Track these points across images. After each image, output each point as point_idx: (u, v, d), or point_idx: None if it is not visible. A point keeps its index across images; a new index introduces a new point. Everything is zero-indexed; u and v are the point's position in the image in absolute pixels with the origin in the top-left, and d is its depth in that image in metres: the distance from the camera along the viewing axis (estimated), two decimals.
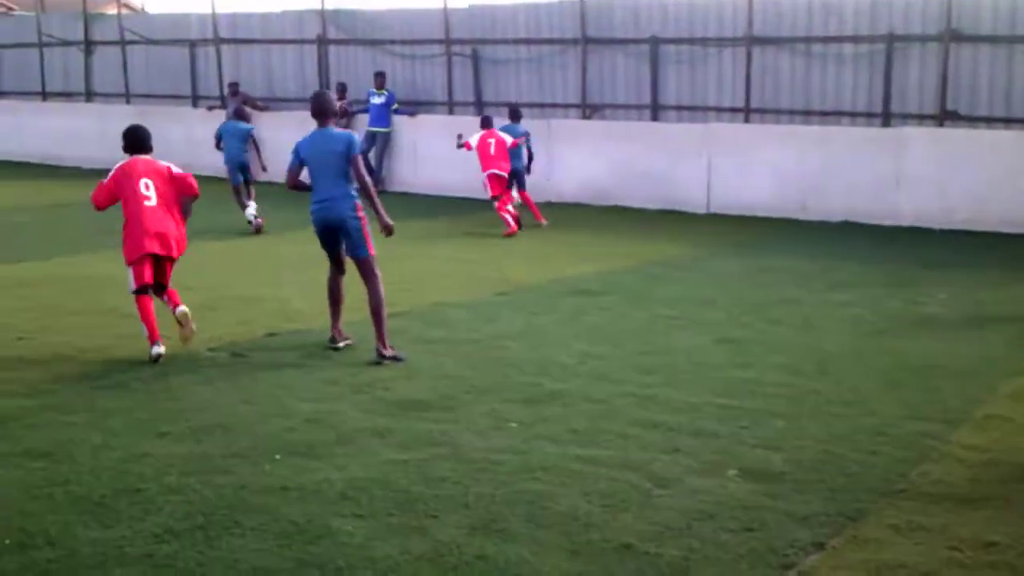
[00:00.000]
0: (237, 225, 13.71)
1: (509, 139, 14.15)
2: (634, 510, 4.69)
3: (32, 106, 25.02)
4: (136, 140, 7.59)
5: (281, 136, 20.20)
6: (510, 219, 13.71)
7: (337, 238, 7.41)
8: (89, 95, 24.36)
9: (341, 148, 7.30)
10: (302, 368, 7.03)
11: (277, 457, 5.29)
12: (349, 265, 7.53)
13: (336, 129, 7.51)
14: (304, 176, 7.50)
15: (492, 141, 14.13)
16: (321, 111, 7.42)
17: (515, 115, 15.10)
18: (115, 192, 7.34)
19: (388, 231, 7.46)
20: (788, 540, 4.39)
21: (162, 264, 7.32)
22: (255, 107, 21.10)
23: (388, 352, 7.20)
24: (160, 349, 7.08)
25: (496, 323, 8.47)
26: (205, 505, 4.69)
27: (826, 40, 16.06)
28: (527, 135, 14.70)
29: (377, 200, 7.48)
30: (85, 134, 22.94)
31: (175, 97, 22.82)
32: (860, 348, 7.76)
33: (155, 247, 7.19)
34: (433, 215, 15.48)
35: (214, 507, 4.66)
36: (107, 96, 23.94)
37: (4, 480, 4.96)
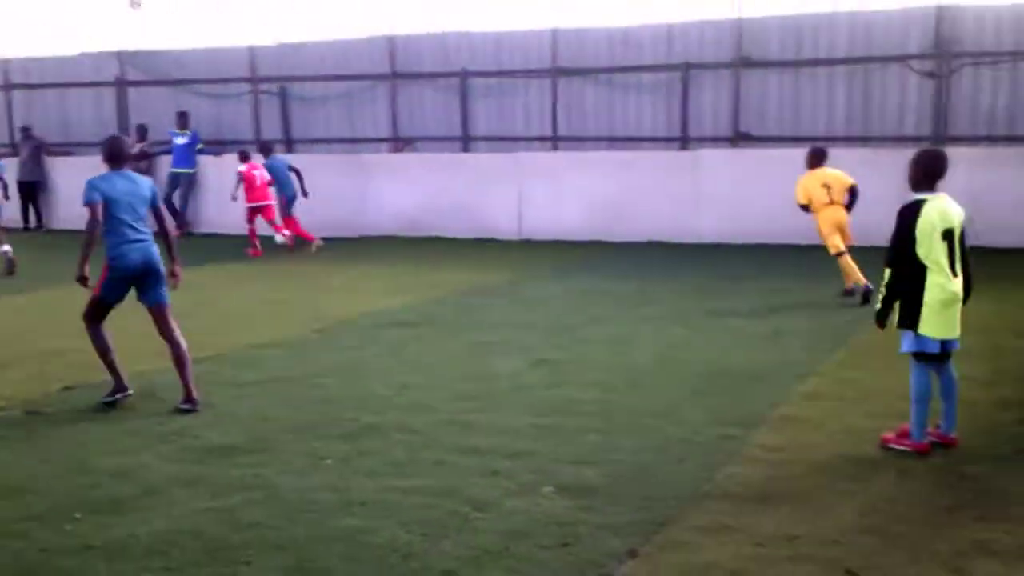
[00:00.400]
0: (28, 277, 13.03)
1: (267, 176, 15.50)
2: (453, 536, 4.69)
3: None
4: None
5: (77, 182, 19.44)
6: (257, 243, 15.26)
7: (145, 282, 7.08)
8: None
9: (148, 193, 7.10)
10: (103, 421, 6.70)
11: (77, 516, 5.02)
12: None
13: (134, 173, 7.24)
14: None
15: (257, 174, 15.40)
16: (117, 155, 7.11)
17: (266, 150, 16.34)
18: None
19: (177, 280, 7.22)
20: (603, 551, 4.48)
21: None
22: (49, 152, 20.21)
23: (196, 397, 6.95)
24: None
25: (311, 360, 8.33)
26: (4, 572, 4.40)
27: (625, 70, 16.68)
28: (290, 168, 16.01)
29: (176, 247, 7.29)
30: None
31: None
32: (669, 360, 8.04)
33: None
34: (241, 256, 15.15)
35: (13, 571, 4.38)
36: None
37: None
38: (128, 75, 20.19)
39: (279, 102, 19.06)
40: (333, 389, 7.37)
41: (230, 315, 10.38)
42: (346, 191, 17.27)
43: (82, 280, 6.99)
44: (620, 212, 15.69)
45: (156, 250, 7.06)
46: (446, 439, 6.11)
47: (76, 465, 5.81)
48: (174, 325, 7.10)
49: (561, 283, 11.99)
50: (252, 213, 15.52)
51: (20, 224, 19.74)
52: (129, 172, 7.17)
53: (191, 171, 18.32)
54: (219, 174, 17.88)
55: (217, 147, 18.72)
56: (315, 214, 16.10)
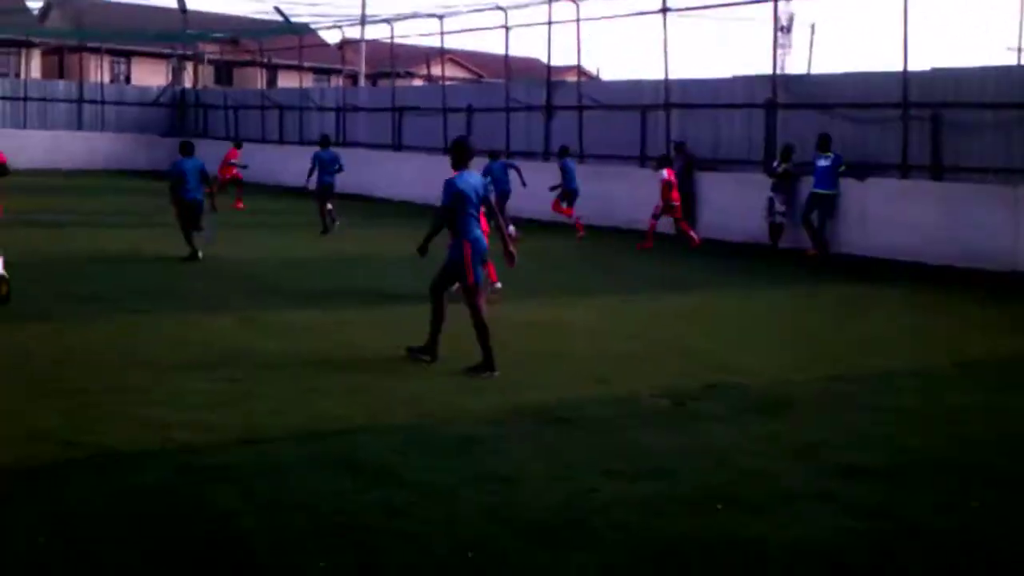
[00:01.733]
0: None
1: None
2: None
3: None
4: None
5: (721, 196, 20.52)
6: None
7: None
8: (547, 155, 26.18)
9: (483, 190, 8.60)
10: (741, 422, 6.96)
11: (719, 507, 5.26)
12: None
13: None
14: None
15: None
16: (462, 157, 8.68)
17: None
18: None
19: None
20: None
21: None
22: (699, 167, 21.52)
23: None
24: None
25: (949, 397, 7.85)
26: (649, 545, 4.76)
27: None
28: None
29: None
30: (540, 190, 24.68)
31: (624, 157, 23.87)
32: None
33: None
34: (883, 279, 14.80)
35: (658, 549, 4.72)
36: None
37: (467, 500, 5.35)
38: (779, 98, 20.77)
39: (929, 128, 18.29)
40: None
41: (868, 339, 10.18)
42: (993, 222, 16.04)
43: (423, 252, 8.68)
44: None
45: None
46: None
47: (715, 459, 6.10)
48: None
49: None
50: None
51: (672, 231, 21.42)
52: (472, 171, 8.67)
53: (832, 192, 18.32)
54: (860, 197, 17.68)
55: (861, 170, 18.50)
56: (958, 244, 15.22)
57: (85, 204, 23.45)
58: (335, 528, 4.88)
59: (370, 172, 29.86)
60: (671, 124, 22.75)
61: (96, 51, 47.42)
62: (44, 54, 54.42)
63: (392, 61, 33.35)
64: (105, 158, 39.08)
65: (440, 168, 25.49)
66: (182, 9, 43.34)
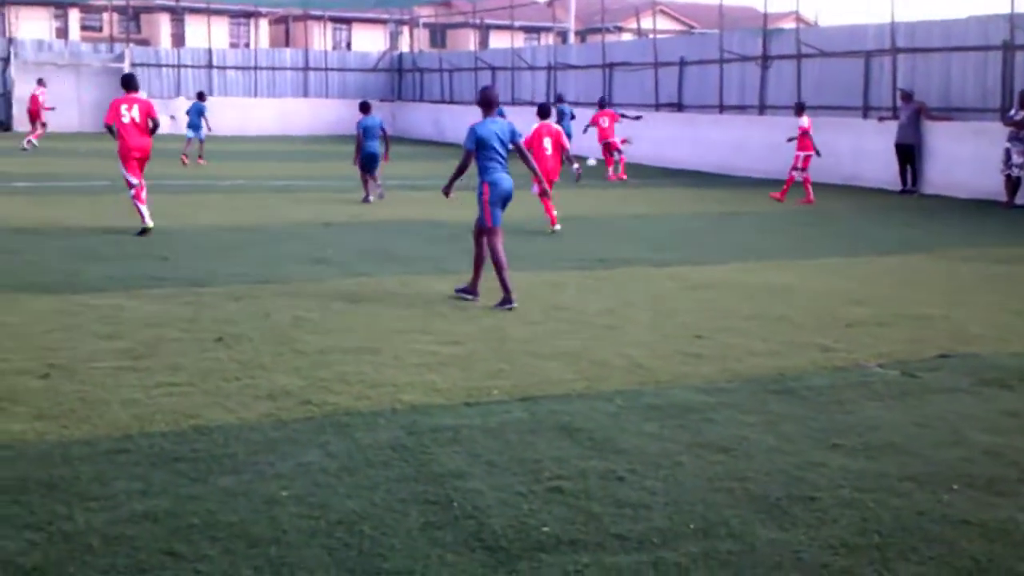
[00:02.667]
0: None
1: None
2: None
3: (709, 119, 26.80)
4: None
5: (957, 148, 19.31)
6: None
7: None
8: (762, 108, 25.42)
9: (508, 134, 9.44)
10: (978, 396, 6.59)
11: (954, 487, 5.01)
12: None
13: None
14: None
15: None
16: (488, 103, 9.48)
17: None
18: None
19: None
20: None
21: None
22: (929, 117, 20.39)
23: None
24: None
25: None
26: (880, 524, 4.60)
27: None
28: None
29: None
30: (755, 145, 24.00)
31: (846, 108, 22.87)
32: None
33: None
34: None
35: (890, 528, 4.56)
36: (778, 108, 24.78)
37: (688, 469, 5.34)
38: (1017, 40, 19.31)
39: None
40: None
41: None
42: None
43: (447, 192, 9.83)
44: None
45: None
46: None
47: (950, 435, 5.81)
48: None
49: None
50: None
51: (898, 186, 20.42)
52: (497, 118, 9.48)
53: None
54: None
55: None
56: None
57: (313, 169, 24.59)
58: (558, 492, 4.96)
59: (577, 131, 29.93)
60: (897, 70, 21.61)
61: (319, 19, 49.48)
62: (271, 23, 57.30)
63: (602, 16, 33.18)
64: (328, 124, 40.77)
65: (649, 122, 25.24)
66: None
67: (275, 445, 5.55)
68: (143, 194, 13.11)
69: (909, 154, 20.07)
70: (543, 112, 14.96)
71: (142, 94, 12.95)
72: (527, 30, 55.41)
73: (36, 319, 8.32)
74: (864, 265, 12.05)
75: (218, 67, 41.62)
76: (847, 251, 13.14)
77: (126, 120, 12.90)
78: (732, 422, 6.07)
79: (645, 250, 13.17)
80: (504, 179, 9.36)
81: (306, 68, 42.90)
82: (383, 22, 55.17)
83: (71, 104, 38.35)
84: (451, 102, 39.65)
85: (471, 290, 9.59)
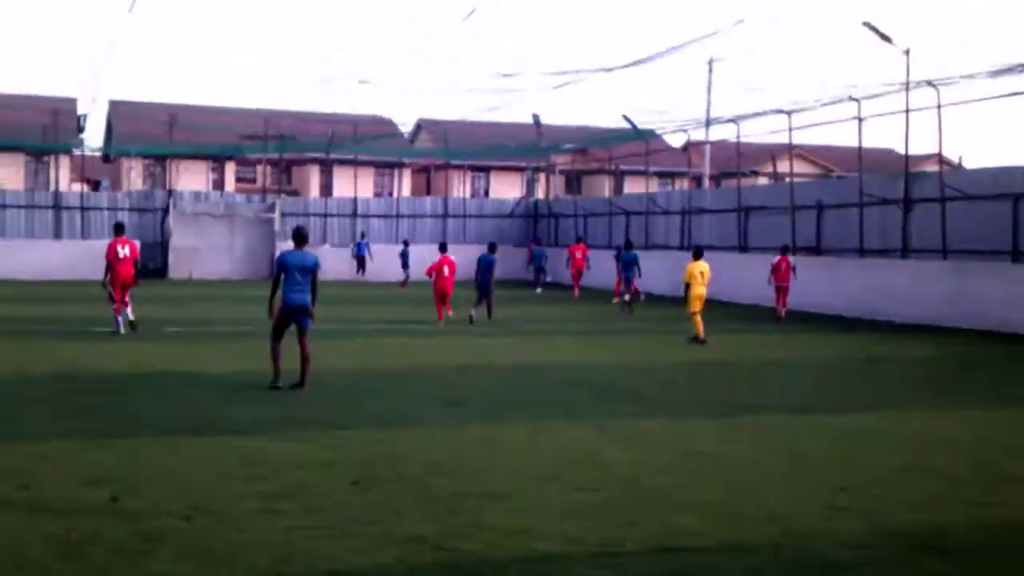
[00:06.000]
0: None
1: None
2: None
3: (849, 263, 26.31)
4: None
5: None
6: None
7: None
8: (904, 251, 24.87)
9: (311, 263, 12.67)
10: None
11: None
12: None
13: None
14: None
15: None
16: (301, 239, 12.82)
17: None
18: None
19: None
20: None
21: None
22: None
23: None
24: None
25: None
26: None
27: None
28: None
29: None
30: (898, 290, 23.40)
31: (994, 252, 22.17)
32: None
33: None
34: None
35: None
36: (921, 252, 24.20)
37: None
38: None
39: None
40: None
41: None
42: None
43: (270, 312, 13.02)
44: None
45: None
46: None
47: None
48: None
49: None
50: None
51: None
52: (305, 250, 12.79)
53: None
54: None
55: None
56: None
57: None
58: None
59: (713, 274, 29.86)
60: None
61: (459, 168, 51.31)
62: (414, 172, 59.65)
63: (737, 160, 33.37)
64: (463, 268, 41.24)
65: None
66: (537, 124, 46.01)
67: None
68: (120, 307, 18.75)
69: None
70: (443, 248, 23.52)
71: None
72: (661, 175, 56.10)
73: (185, 461, 8.61)
74: (1019, 417, 11.45)
75: (362, 215, 43.39)
76: (999, 402, 12.53)
77: (120, 255, 18.69)
78: None
79: (785, 397, 12.86)
80: (293, 297, 12.51)
81: (445, 215, 44.32)
82: (520, 170, 56.80)
83: (224, 252, 40.43)
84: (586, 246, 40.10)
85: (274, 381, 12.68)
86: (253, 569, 5.84)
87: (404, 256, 37.67)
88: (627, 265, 26.65)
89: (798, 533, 6.72)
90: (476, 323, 21.91)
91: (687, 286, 19.14)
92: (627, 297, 25.93)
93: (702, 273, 19.01)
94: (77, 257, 36.62)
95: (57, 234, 39.91)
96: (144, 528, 6.56)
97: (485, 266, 22.80)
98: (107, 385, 12.76)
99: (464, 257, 41.82)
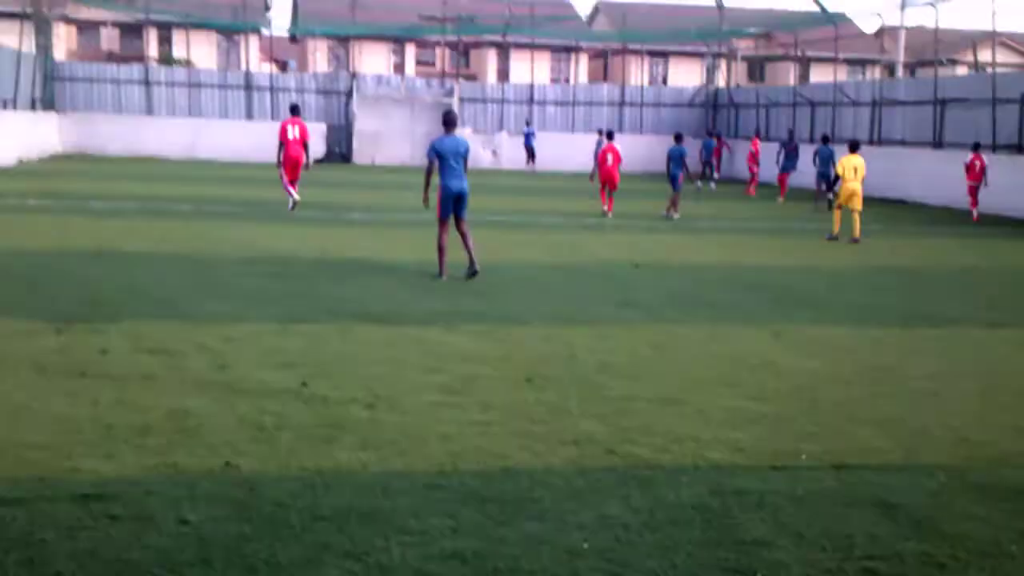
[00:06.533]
0: None
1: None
2: None
3: None
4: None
5: None
6: None
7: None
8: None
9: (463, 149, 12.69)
10: None
11: None
12: None
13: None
14: None
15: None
16: (450, 122, 12.77)
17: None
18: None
19: None
20: None
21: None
22: None
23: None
24: None
25: None
26: None
27: None
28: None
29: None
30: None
31: None
32: None
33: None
34: None
35: None
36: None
37: (1021, 563, 4.86)
38: None
39: None
40: None
41: None
42: None
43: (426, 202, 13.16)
44: None
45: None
46: None
47: None
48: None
49: None
50: None
51: None
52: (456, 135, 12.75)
53: None
54: None
55: None
56: None
57: (627, 206, 24.88)
58: (870, 574, 4.69)
59: (904, 173, 28.44)
60: None
61: (637, 53, 50.19)
62: (591, 58, 58.75)
63: (935, 48, 31.36)
64: (641, 159, 40.52)
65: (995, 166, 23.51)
66: (719, 6, 44.32)
67: (578, 493, 5.62)
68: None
69: None
70: (609, 135, 23.45)
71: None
72: (851, 63, 53.38)
73: (367, 350, 8.94)
74: None
75: (538, 102, 43.15)
76: None
77: (291, 137, 19.36)
78: None
79: (977, 308, 12.24)
80: (453, 183, 12.56)
81: (622, 103, 43.61)
82: (700, 55, 55.09)
83: (405, 137, 41.08)
84: (767, 139, 38.77)
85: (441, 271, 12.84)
86: (431, 461, 6.06)
87: (528, 139, 39.00)
88: (824, 160, 25.31)
89: (987, 455, 6.46)
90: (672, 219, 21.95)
91: (837, 179, 18.79)
92: (830, 196, 24.96)
93: (856, 168, 18.29)
94: (268, 137, 37.96)
95: (249, 114, 41.30)
96: (329, 414, 6.88)
97: (677, 157, 22.39)
98: (290, 268, 13.32)
99: (642, 148, 41.29)
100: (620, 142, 44.16)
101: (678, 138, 23.64)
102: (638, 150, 39.86)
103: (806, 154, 28.30)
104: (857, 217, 18.35)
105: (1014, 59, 51.84)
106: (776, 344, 9.74)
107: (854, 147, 19.03)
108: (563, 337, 9.72)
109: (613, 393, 7.71)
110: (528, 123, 41.12)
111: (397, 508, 5.31)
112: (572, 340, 9.59)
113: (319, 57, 54.67)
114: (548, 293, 12.36)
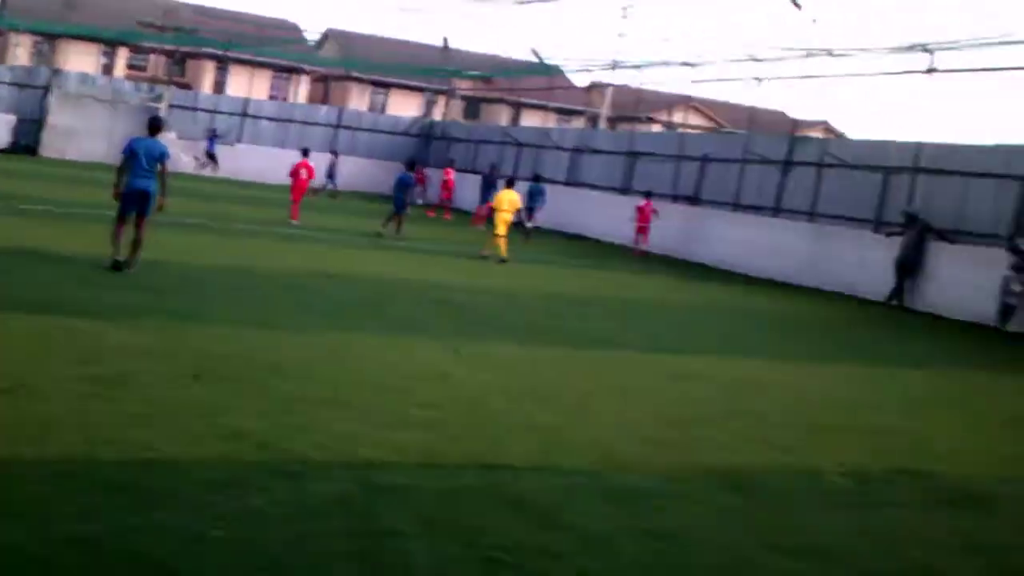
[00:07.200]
0: None
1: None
2: None
3: (723, 215, 26.97)
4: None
5: (954, 271, 19.31)
6: None
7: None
8: (777, 211, 25.63)
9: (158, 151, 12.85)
10: (922, 513, 6.57)
11: None
12: None
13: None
14: None
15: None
16: (154, 127, 13.17)
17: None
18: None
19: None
20: None
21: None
22: (932, 231, 20.50)
23: None
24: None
25: None
26: None
27: None
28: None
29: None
30: (763, 245, 24.17)
31: (859, 220, 23.01)
32: None
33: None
34: None
35: None
36: (793, 213, 24.97)
37: (626, 553, 5.33)
38: None
39: None
40: None
41: None
42: None
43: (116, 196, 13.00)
44: None
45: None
46: None
47: (884, 548, 5.84)
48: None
49: None
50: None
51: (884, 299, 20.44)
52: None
53: None
54: None
55: None
56: None
57: (326, 221, 24.87)
58: (490, 562, 4.98)
59: (590, 213, 30.43)
60: (916, 190, 21.83)
61: (360, 80, 50.37)
62: (313, 81, 58.34)
63: (636, 105, 33.68)
64: (348, 181, 40.42)
65: (664, 213, 25.48)
66: (445, 47, 45.48)
67: (223, 486, 5.59)
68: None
69: (909, 272, 20.10)
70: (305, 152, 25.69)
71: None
72: (560, 112, 56.19)
73: (14, 338, 8.42)
74: (843, 373, 12.06)
75: (253, 116, 42.35)
76: (830, 356, 13.18)
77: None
78: (680, 512, 6.09)
79: (635, 333, 13.22)
80: (136, 181, 12.66)
81: (338, 126, 43.58)
82: (422, 90, 56.15)
83: (103, 135, 39.18)
84: (473, 172, 39.85)
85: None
86: (66, 449, 5.82)
87: (211, 144, 39.68)
88: (531, 195, 27.93)
89: (618, 462, 7.01)
90: (385, 237, 22.57)
91: (493, 211, 21.93)
92: (529, 225, 26.09)
93: (510, 202, 21.36)
94: None
95: None
96: None
97: (402, 184, 23.98)
98: None
99: (355, 168, 41.35)
100: (343, 163, 44.38)
101: (409, 166, 25.75)
102: (347, 170, 39.85)
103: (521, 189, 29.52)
104: (503, 242, 20.69)
105: (703, 122, 56.55)
106: (451, 357, 10.09)
107: (510, 183, 22.35)
108: (240, 338, 9.61)
109: (281, 393, 7.72)
110: (215, 131, 40.62)
111: (22, 495, 5.07)
112: (249, 341, 9.49)
113: (20, 52, 51.15)
114: (231, 295, 12.17)
